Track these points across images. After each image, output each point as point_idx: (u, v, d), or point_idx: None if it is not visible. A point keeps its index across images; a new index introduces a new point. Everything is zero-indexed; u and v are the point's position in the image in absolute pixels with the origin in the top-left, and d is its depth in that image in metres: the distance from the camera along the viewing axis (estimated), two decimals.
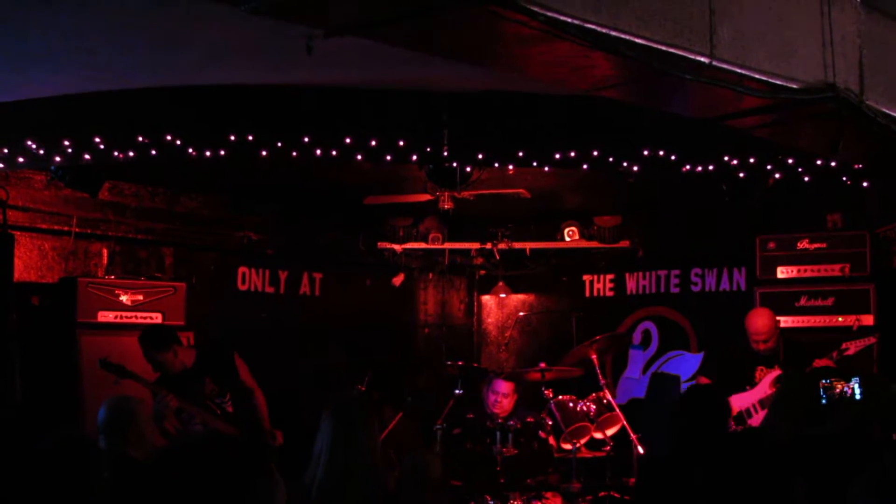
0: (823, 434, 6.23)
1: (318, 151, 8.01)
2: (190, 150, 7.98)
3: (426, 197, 9.72)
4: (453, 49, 5.11)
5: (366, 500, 5.12)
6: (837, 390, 6.56)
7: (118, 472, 5.48)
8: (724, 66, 5.18)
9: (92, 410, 6.40)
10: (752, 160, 8.10)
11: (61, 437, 3.03)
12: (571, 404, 9.80)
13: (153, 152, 8.00)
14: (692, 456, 5.51)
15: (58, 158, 8.23)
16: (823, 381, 6.61)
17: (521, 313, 13.36)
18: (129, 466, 5.68)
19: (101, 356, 8.26)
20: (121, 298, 9.52)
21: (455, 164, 8.47)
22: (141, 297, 9.66)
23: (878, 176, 8.53)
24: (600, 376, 9.97)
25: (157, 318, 9.66)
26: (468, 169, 8.61)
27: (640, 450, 9.26)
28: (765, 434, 6.49)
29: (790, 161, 8.06)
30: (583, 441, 9.67)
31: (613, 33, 4.61)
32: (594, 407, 9.80)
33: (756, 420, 8.76)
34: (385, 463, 6.49)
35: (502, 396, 9.82)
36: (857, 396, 6.58)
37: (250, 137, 7.74)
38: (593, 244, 12.27)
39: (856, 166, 8.17)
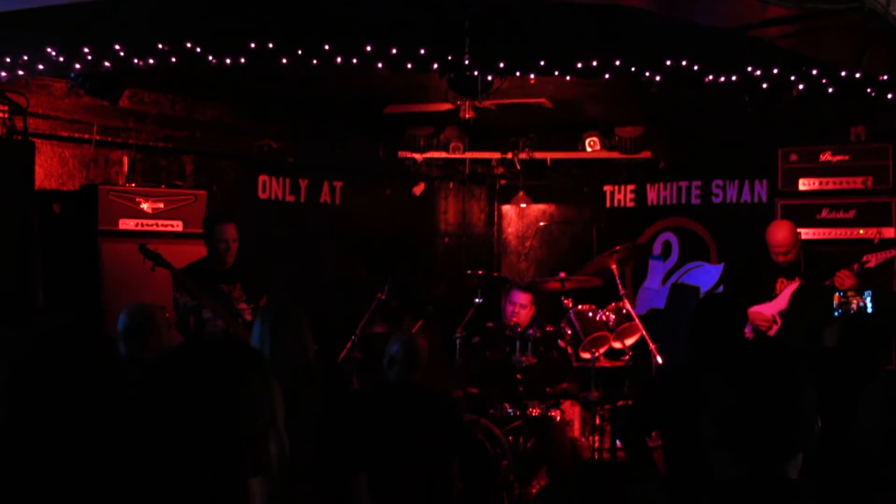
0: (819, 349, 6.30)
1: (339, 59, 7.97)
2: (210, 58, 7.96)
3: (447, 106, 9.70)
4: None
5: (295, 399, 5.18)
6: (854, 305, 6.60)
7: (135, 377, 5.56)
8: None
9: (113, 317, 6.48)
10: (775, 71, 8.04)
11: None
12: (591, 314, 9.83)
13: (173, 59, 7.97)
14: (704, 363, 5.58)
15: (78, 66, 8.22)
16: (838, 296, 6.65)
17: (542, 223, 13.38)
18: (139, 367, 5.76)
19: (121, 264, 8.33)
20: (141, 206, 9.57)
21: (476, 73, 8.42)
22: (161, 205, 9.70)
23: None
24: (620, 286, 9.97)
25: (177, 226, 9.72)
26: (489, 78, 8.56)
27: (659, 360, 9.31)
28: (779, 343, 6.55)
29: (814, 72, 8.00)
30: (601, 351, 9.72)
31: None
32: (613, 317, 9.83)
33: (776, 332, 8.81)
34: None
35: (520, 307, 9.85)
36: (869, 310, 6.63)
37: (271, 45, 7.70)
38: (614, 155, 12.23)
39: (880, 78, 8.11)
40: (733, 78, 8.26)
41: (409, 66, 8.06)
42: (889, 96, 8.61)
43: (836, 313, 6.62)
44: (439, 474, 6.43)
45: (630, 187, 12.60)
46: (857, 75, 7.93)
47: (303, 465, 5.11)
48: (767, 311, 8.89)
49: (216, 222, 8.61)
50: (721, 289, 11.24)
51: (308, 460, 5.13)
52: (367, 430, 6.06)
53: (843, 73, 7.93)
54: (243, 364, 2.71)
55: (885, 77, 8.05)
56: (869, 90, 8.45)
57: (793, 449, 2.84)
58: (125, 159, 10.35)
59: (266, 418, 2.69)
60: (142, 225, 9.52)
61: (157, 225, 9.63)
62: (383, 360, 6.56)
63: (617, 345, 9.74)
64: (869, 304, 6.64)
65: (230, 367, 2.69)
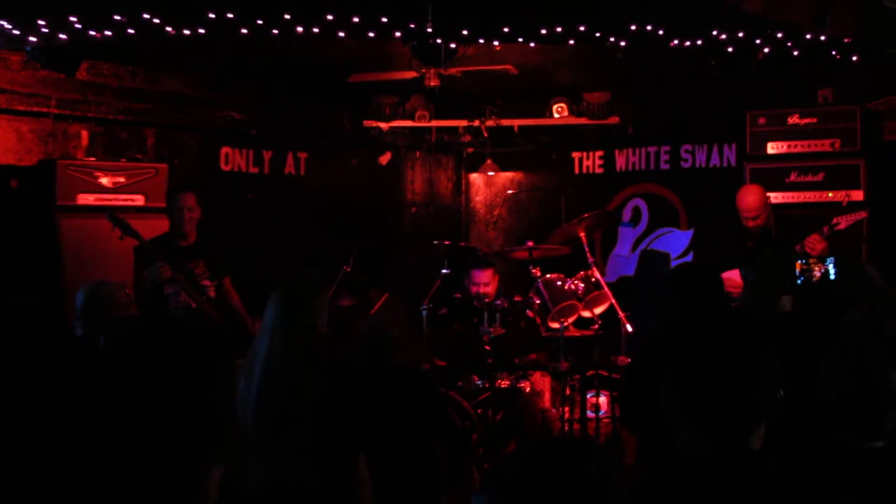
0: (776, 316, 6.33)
1: (300, 29, 7.95)
2: (168, 29, 7.92)
3: (412, 74, 9.67)
4: None
5: (305, 385, 5.17)
6: (816, 272, 6.62)
7: (91, 360, 5.53)
8: None
9: (72, 295, 6.43)
10: (740, 34, 8.07)
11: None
12: (559, 283, 9.83)
13: (130, 31, 7.92)
14: (683, 337, 5.61)
15: (33, 39, 8.17)
16: (800, 263, 6.66)
17: (510, 191, 13.40)
18: (94, 350, 5.72)
19: (81, 240, 8.28)
20: (101, 181, 9.50)
21: (439, 41, 8.41)
22: (122, 179, 9.64)
23: (868, 50, 8.50)
24: (588, 254, 9.98)
25: (138, 200, 9.66)
26: (453, 45, 8.55)
27: (629, 328, 9.33)
28: (739, 312, 6.58)
29: (779, 35, 8.03)
30: (571, 320, 9.73)
31: None
32: (582, 285, 9.84)
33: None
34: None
35: (483, 286, 9.83)
36: (832, 277, 6.65)
37: (230, 15, 7.67)
38: (582, 121, 12.22)
39: (845, 40, 8.14)
40: (698, 42, 8.28)
41: (372, 34, 8.05)
42: (854, 58, 8.65)
43: (798, 281, 6.63)
44: (426, 456, 6.46)
45: (598, 153, 12.61)
46: (822, 38, 7.96)
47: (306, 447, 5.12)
48: (738, 276, 8.93)
49: (174, 192, 8.59)
50: (691, 255, 11.28)
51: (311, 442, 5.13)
52: (364, 410, 6.05)
53: (809, 36, 7.96)
54: (215, 353, 2.71)
55: (849, 39, 8.08)
56: (834, 53, 8.49)
57: (755, 419, 2.86)
58: (84, 133, 10.28)
59: (230, 405, 2.69)
60: (102, 200, 9.45)
61: (117, 199, 9.57)
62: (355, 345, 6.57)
63: (586, 314, 9.75)
64: (832, 271, 6.66)
65: (201, 357, 2.69)
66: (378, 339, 6.53)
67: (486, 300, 9.22)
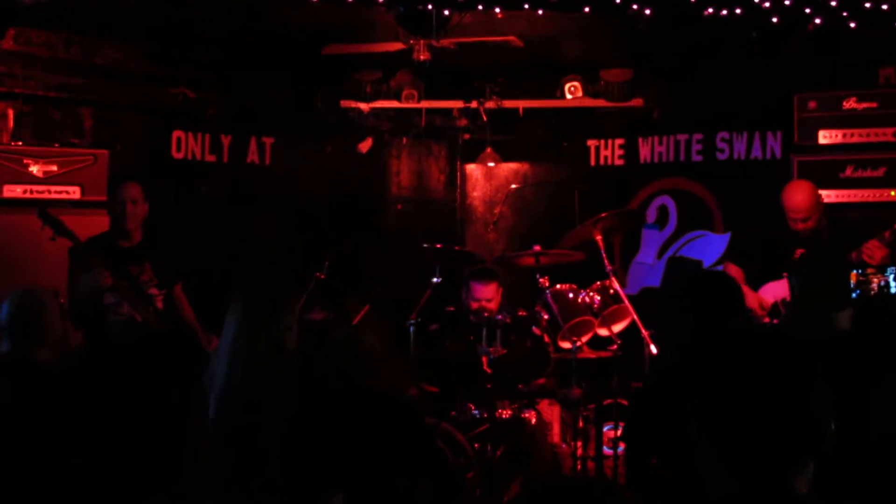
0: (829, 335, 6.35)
1: None
2: None
3: (398, 46, 9.70)
4: None
5: (270, 401, 5.19)
6: (874, 285, 6.65)
7: (21, 380, 5.53)
8: None
9: None
10: (786, 2, 8.08)
11: None
12: (571, 295, 9.80)
13: None
14: (697, 356, 5.62)
15: None
16: (857, 274, 6.69)
17: (513, 185, 13.41)
18: (34, 372, 5.72)
19: (5, 239, 8.28)
20: (30, 169, 9.52)
21: (430, 6, 8.42)
22: (55, 168, 9.65)
23: None
24: (606, 262, 9.96)
25: (74, 192, 9.67)
26: (446, 12, 8.57)
27: (654, 349, 9.33)
28: (781, 331, 6.60)
29: (833, 3, 8.04)
30: (584, 339, 9.71)
31: None
32: (598, 298, 9.81)
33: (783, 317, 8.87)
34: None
35: (485, 301, 9.84)
36: (892, 290, 6.69)
37: None
38: (599, 103, 12.23)
39: None
40: (737, 10, 8.29)
41: None
42: None
43: (853, 294, 6.66)
44: (406, 499, 6.46)
45: (618, 142, 12.62)
46: (884, 7, 7.97)
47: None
48: (785, 287, 8.95)
49: (116, 182, 8.59)
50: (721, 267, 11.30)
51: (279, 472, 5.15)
52: (340, 443, 6.04)
53: (868, 4, 7.98)
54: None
55: None
56: None
57: (800, 458, 2.86)
58: (10, 112, 10.27)
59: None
60: (31, 192, 9.47)
61: (49, 192, 9.59)
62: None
63: (603, 332, 9.74)
64: (892, 283, 6.70)
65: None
66: (352, 356, 6.50)
67: (486, 315, 9.21)
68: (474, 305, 9.81)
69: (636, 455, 5.92)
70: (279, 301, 5.61)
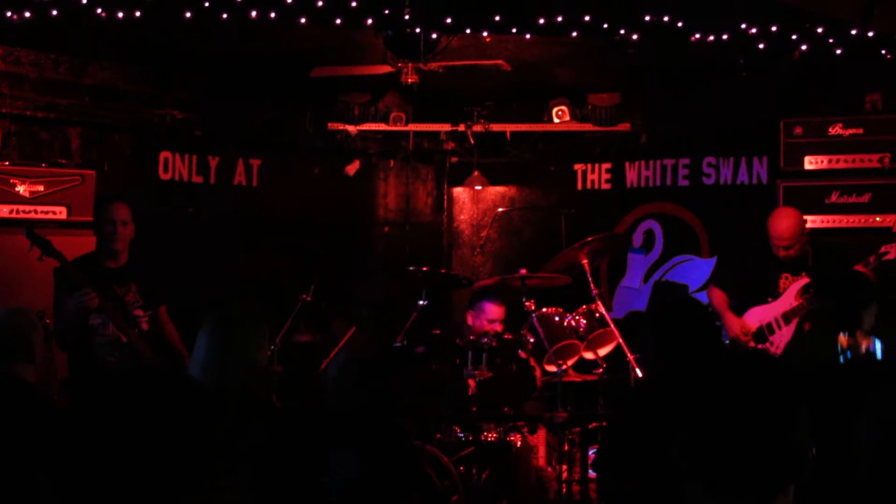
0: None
1: (254, 13, 7.98)
2: (98, 11, 7.94)
3: (386, 69, 9.70)
4: None
5: (241, 438, 5.17)
6: (862, 347, 6.67)
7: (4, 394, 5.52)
8: None
9: None
10: (773, 29, 8.11)
11: None
12: (557, 318, 9.81)
13: (54, 12, 7.95)
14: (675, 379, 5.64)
15: None
16: (844, 336, 6.69)
17: (500, 209, 13.42)
18: (17, 388, 5.70)
19: None
20: (17, 189, 9.50)
21: (419, 30, 8.44)
22: (42, 188, 9.64)
23: None
24: (592, 285, 9.99)
25: (60, 212, 9.66)
26: (434, 35, 8.59)
27: (639, 373, 9.33)
28: (764, 353, 6.63)
29: (819, 30, 8.08)
30: (570, 362, 9.74)
31: None
32: (584, 322, 9.83)
33: (779, 337, 8.89)
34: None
35: (499, 323, 9.86)
36: (878, 356, 6.72)
37: None
38: (587, 127, 12.23)
39: None
40: (724, 36, 8.32)
41: (339, 21, 8.08)
42: None
43: (840, 358, 6.68)
44: None
45: (605, 166, 12.63)
46: (870, 34, 8.01)
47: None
48: (769, 312, 8.97)
49: (103, 202, 8.57)
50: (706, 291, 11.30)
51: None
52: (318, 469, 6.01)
53: (854, 32, 8.01)
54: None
55: None
56: (884, 52, 8.54)
57: (780, 481, 2.87)
58: None
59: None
60: (17, 212, 9.45)
61: (35, 212, 9.57)
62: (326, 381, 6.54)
63: (589, 355, 9.75)
64: (878, 350, 6.73)
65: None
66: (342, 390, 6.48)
67: (474, 335, 9.21)
68: (488, 327, 9.79)
69: (609, 480, 5.94)
70: (250, 321, 5.62)
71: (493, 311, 9.94)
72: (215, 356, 5.38)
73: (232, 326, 5.50)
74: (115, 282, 8.34)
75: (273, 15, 7.99)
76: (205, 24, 8.13)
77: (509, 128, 12.52)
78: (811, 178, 10.17)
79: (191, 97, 11.58)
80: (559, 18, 8.05)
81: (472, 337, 9.30)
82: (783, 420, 2.85)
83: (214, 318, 5.54)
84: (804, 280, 8.92)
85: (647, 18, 8.02)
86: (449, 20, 8.20)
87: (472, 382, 9.01)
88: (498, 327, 9.84)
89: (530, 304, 9.79)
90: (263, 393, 5.48)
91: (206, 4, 7.85)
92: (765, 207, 9.50)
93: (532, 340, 9.60)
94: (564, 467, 9.35)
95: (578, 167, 12.82)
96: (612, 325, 9.77)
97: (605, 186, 12.65)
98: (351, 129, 12.35)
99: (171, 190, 11.47)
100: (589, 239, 10.00)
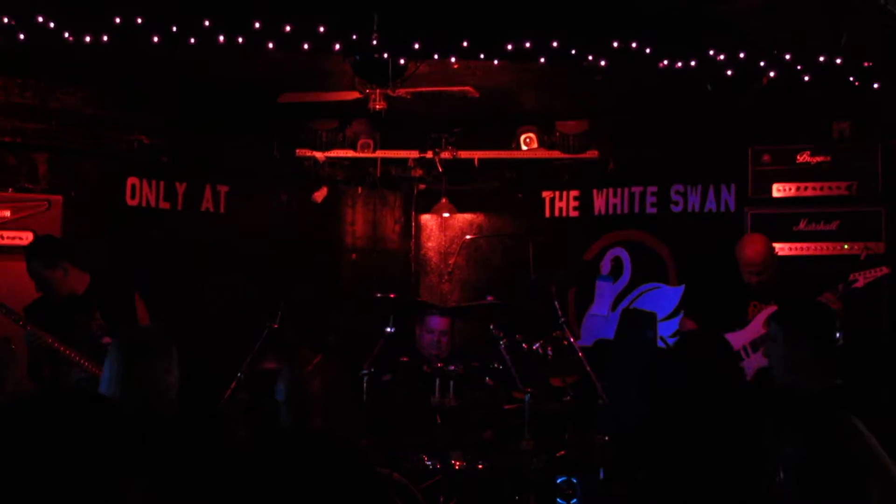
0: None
1: (222, 38, 7.95)
2: (66, 35, 7.90)
3: (353, 95, 9.68)
4: None
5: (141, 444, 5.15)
6: None
7: None
8: None
9: None
10: (741, 55, 8.12)
11: None
12: (525, 346, 9.81)
13: (21, 37, 7.91)
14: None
15: None
16: None
17: (468, 236, 13.38)
18: None
19: None
20: None
21: (386, 56, 8.43)
22: (7, 214, 9.61)
23: (891, 76, 8.57)
24: (560, 313, 9.98)
25: (26, 238, 9.61)
26: (402, 61, 8.57)
27: (606, 400, 9.31)
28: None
29: (787, 57, 8.09)
30: (537, 390, 9.71)
31: None
32: (552, 349, 9.82)
33: (747, 364, 8.87)
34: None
35: (440, 335, 9.85)
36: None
37: (139, 20, 7.67)
38: (555, 154, 12.25)
39: (865, 64, 8.21)
40: (692, 63, 8.33)
41: (306, 46, 8.06)
42: (876, 86, 8.71)
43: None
44: None
45: (573, 193, 12.63)
46: (838, 61, 8.02)
47: None
48: (737, 340, 8.96)
49: (29, 260, 8.41)
50: (680, 315, 11.28)
51: None
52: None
53: (822, 59, 8.03)
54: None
55: (870, 63, 8.15)
56: (852, 79, 8.55)
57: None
58: None
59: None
60: None
61: (2, 237, 9.53)
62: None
63: (556, 383, 9.72)
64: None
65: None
66: (297, 400, 6.46)
67: (439, 361, 9.18)
68: (427, 338, 9.82)
69: None
70: (154, 344, 5.64)
71: (435, 321, 10.02)
72: (117, 377, 5.43)
73: (134, 349, 5.55)
74: (77, 310, 8.28)
75: (241, 40, 7.96)
76: (172, 49, 8.09)
77: (477, 155, 12.53)
78: (779, 206, 10.18)
79: (158, 123, 11.52)
80: (527, 44, 8.04)
81: (421, 350, 9.31)
82: (741, 445, 2.84)
83: (119, 342, 5.59)
84: (772, 308, 8.91)
85: (615, 45, 8.02)
86: (417, 46, 8.19)
87: (438, 410, 8.99)
88: (445, 340, 9.87)
89: (498, 332, 9.75)
90: (169, 412, 5.49)
91: (175, 29, 7.82)
92: (733, 235, 9.52)
93: (499, 368, 9.57)
94: (532, 498, 9.32)
95: (546, 194, 12.82)
96: (580, 353, 9.72)
97: (573, 214, 12.65)
98: (319, 155, 12.34)
99: (139, 216, 11.39)
100: (557, 267, 9.97)
